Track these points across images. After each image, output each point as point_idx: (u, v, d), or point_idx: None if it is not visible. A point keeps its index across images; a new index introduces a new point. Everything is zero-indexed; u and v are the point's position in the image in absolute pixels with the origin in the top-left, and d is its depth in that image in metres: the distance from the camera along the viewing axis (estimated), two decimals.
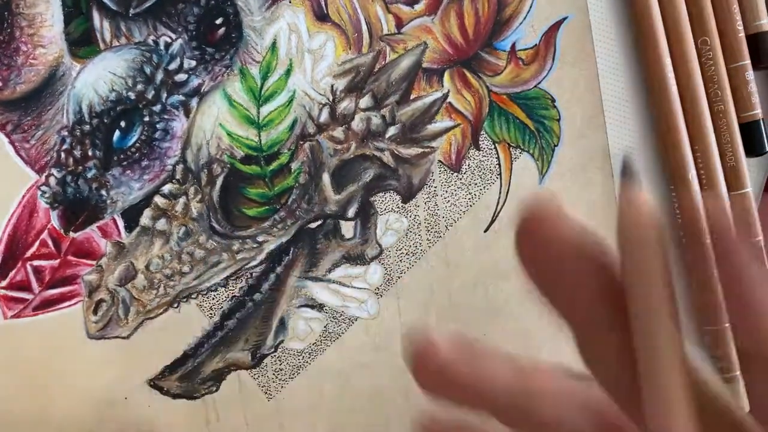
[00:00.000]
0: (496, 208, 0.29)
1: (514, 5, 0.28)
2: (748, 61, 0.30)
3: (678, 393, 0.14)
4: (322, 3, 0.27)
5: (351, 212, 0.27)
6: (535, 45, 0.28)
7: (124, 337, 0.26)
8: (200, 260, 0.26)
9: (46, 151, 0.25)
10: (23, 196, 0.25)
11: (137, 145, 0.26)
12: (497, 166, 0.29)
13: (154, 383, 0.26)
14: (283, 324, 0.27)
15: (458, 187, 0.28)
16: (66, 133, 0.25)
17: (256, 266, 0.27)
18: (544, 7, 0.28)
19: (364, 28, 0.27)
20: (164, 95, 0.26)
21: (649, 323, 0.14)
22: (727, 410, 0.15)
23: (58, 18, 0.25)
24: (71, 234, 0.25)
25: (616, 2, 0.29)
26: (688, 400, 0.14)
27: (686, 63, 0.29)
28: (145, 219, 0.26)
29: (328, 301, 0.27)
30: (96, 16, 0.25)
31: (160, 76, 0.26)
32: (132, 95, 0.25)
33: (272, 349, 0.27)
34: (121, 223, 0.26)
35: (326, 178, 0.27)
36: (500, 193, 0.29)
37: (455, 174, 0.28)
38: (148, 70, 0.26)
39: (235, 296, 0.27)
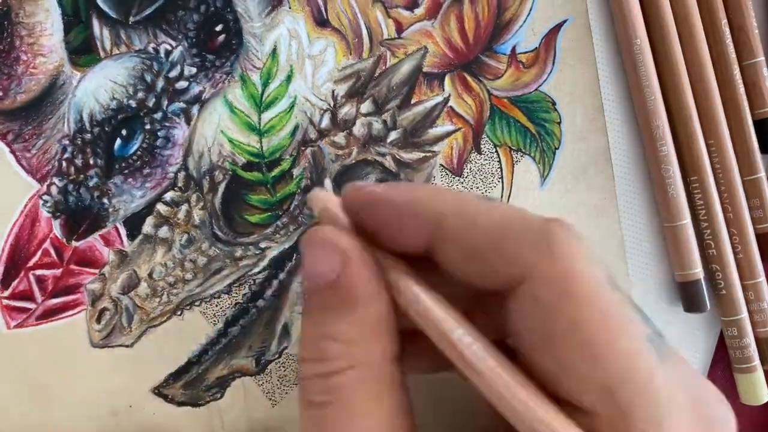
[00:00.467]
0: None
1: (513, 8, 0.28)
2: (762, 58, 0.30)
3: None
4: (322, 8, 0.27)
5: None
6: (536, 48, 0.28)
7: (127, 346, 0.26)
8: (203, 267, 0.26)
9: (47, 160, 0.25)
10: (25, 206, 0.25)
11: (139, 153, 0.26)
12: (499, 169, 0.29)
13: (159, 391, 0.26)
14: (286, 330, 0.27)
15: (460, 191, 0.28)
16: (67, 142, 0.25)
17: (258, 273, 0.27)
18: (544, 9, 0.28)
19: (365, 33, 0.27)
20: (165, 103, 0.26)
21: None
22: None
23: (57, 27, 0.25)
24: (73, 243, 0.25)
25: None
26: None
27: (699, 59, 0.29)
28: (148, 227, 0.26)
29: None
30: (96, 24, 0.25)
31: (160, 83, 0.26)
32: (133, 103, 0.25)
33: (276, 356, 0.27)
34: (123, 232, 0.26)
35: (328, 183, 0.27)
36: (502, 196, 0.29)
37: (457, 178, 0.28)
38: (148, 77, 0.26)
39: (238, 303, 0.27)
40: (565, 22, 0.29)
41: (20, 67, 0.25)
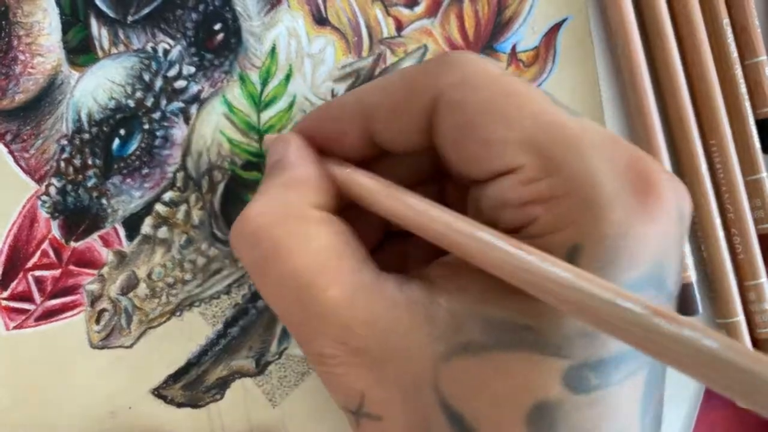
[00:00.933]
0: None
1: (513, 7, 0.28)
2: (764, 57, 0.30)
3: None
4: (321, 7, 0.27)
5: None
6: (536, 47, 0.28)
7: (127, 347, 0.26)
8: (202, 268, 0.26)
9: (45, 160, 0.25)
10: (23, 206, 0.25)
11: (137, 153, 0.26)
12: None
13: (158, 392, 0.26)
14: (286, 331, 0.27)
15: None
16: (65, 142, 0.25)
17: None
18: (543, 8, 0.28)
19: (364, 31, 0.27)
20: (164, 102, 0.26)
21: None
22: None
23: (55, 26, 0.25)
24: (72, 243, 0.25)
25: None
26: None
27: (700, 56, 0.29)
28: (147, 227, 0.26)
29: None
30: (94, 23, 0.25)
31: (159, 83, 0.25)
32: (131, 103, 0.25)
33: (276, 356, 0.27)
34: (122, 232, 0.26)
35: None
36: None
37: None
38: (147, 77, 0.25)
39: (237, 304, 0.27)
40: (565, 20, 0.28)
41: (18, 67, 0.25)
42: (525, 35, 0.28)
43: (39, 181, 0.25)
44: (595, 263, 0.17)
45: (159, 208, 0.26)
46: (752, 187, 0.30)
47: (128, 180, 0.26)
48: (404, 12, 0.27)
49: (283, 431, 0.27)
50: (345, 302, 0.18)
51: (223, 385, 0.27)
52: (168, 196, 0.26)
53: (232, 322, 0.27)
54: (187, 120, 0.26)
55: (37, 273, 0.25)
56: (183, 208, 0.26)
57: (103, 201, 0.25)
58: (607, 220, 0.17)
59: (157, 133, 0.26)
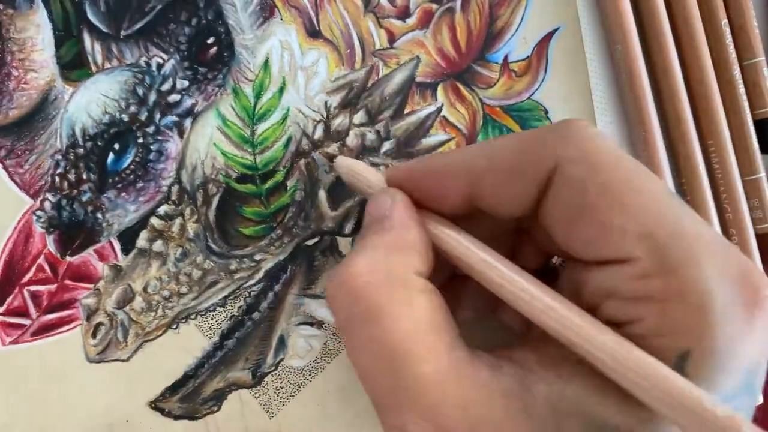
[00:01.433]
0: None
1: (505, 17, 0.28)
2: (763, 58, 0.30)
3: None
4: (314, 19, 0.27)
5: (348, 228, 0.27)
6: (528, 57, 0.28)
7: (123, 360, 0.26)
8: (198, 281, 0.26)
9: (40, 175, 0.25)
10: (19, 222, 0.25)
11: (132, 167, 0.26)
12: None
13: (155, 405, 0.26)
14: (282, 342, 0.27)
15: None
16: (60, 157, 0.25)
17: (254, 285, 0.27)
18: (535, 18, 0.28)
19: (356, 43, 0.27)
20: (158, 116, 0.26)
21: None
22: None
23: (48, 42, 0.25)
24: (68, 258, 0.25)
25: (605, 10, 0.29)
26: None
27: (698, 57, 0.29)
28: (142, 241, 0.26)
29: (328, 318, 0.27)
30: (87, 38, 0.25)
31: (152, 97, 0.26)
32: (125, 117, 0.25)
33: (272, 368, 0.27)
34: (117, 246, 0.26)
35: (322, 194, 0.27)
36: None
37: None
38: (140, 91, 0.25)
39: (233, 316, 0.27)
40: (556, 30, 0.29)
41: (12, 83, 0.25)
42: (517, 45, 0.28)
43: (34, 196, 0.25)
44: (700, 372, 0.17)
45: (154, 221, 0.26)
46: (750, 187, 0.31)
47: (123, 194, 0.26)
48: (396, 24, 0.27)
49: None
50: (438, 380, 0.18)
51: (220, 396, 0.27)
52: (163, 209, 0.26)
53: (229, 334, 0.27)
54: (181, 133, 0.26)
55: (33, 288, 0.25)
56: (178, 221, 0.26)
57: (98, 215, 0.25)
58: (720, 331, 0.17)
59: (152, 147, 0.26)
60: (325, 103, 0.27)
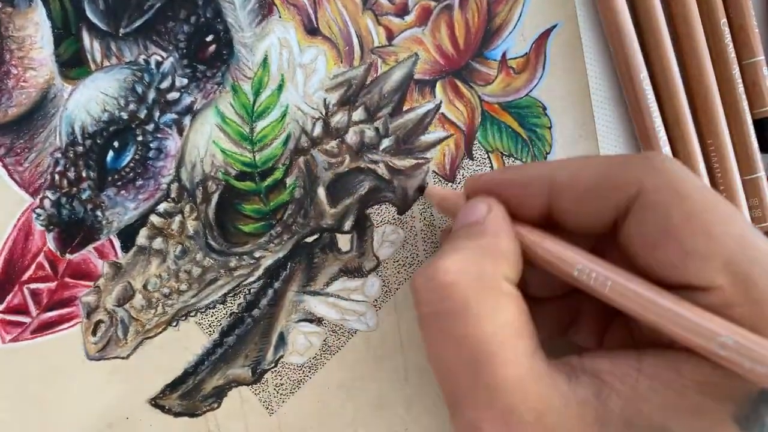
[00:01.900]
0: None
1: (503, 14, 0.28)
2: (762, 57, 0.30)
3: None
4: (312, 17, 0.27)
5: (347, 225, 0.27)
6: (526, 53, 0.29)
7: (123, 358, 0.26)
8: (198, 278, 0.26)
9: (39, 173, 0.25)
10: (18, 220, 0.25)
11: (131, 164, 0.26)
12: None
13: (155, 402, 0.26)
14: (282, 339, 0.27)
15: None
16: (59, 155, 0.25)
17: (253, 282, 0.27)
18: (533, 15, 0.28)
19: (355, 41, 0.27)
20: (157, 114, 0.26)
21: None
22: None
23: (47, 40, 0.25)
24: (67, 256, 0.25)
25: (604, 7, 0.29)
26: None
27: (698, 57, 0.29)
28: (142, 238, 0.26)
29: (327, 314, 0.27)
30: (86, 36, 0.25)
31: (152, 95, 0.26)
32: (124, 115, 0.25)
33: (272, 364, 0.27)
34: (117, 244, 0.26)
35: (321, 192, 0.27)
36: None
37: (450, 184, 0.28)
38: (139, 89, 0.26)
39: (233, 313, 0.27)
40: (554, 27, 0.29)
41: (11, 81, 0.25)
42: (515, 42, 0.29)
43: (33, 194, 0.25)
44: None
45: (154, 219, 0.26)
46: (750, 187, 0.31)
47: (123, 192, 0.26)
48: (395, 21, 0.27)
49: None
50: (518, 384, 0.18)
51: (219, 393, 0.27)
52: (162, 207, 0.26)
53: (228, 331, 0.27)
54: (180, 131, 0.26)
55: (33, 286, 0.25)
56: (177, 218, 0.26)
57: (98, 213, 0.25)
58: None
59: (151, 145, 0.26)
60: (324, 100, 0.27)
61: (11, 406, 0.25)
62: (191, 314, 0.26)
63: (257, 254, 0.27)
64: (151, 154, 0.26)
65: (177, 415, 0.26)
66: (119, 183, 0.26)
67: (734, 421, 0.17)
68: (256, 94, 0.26)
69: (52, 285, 0.25)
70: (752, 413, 0.18)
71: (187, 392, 0.26)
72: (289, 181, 0.27)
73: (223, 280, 0.27)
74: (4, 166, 0.25)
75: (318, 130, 0.27)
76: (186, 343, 0.26)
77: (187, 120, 0.26)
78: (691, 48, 0.29)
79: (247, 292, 0.27)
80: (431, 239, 0.28)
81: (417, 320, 0.20)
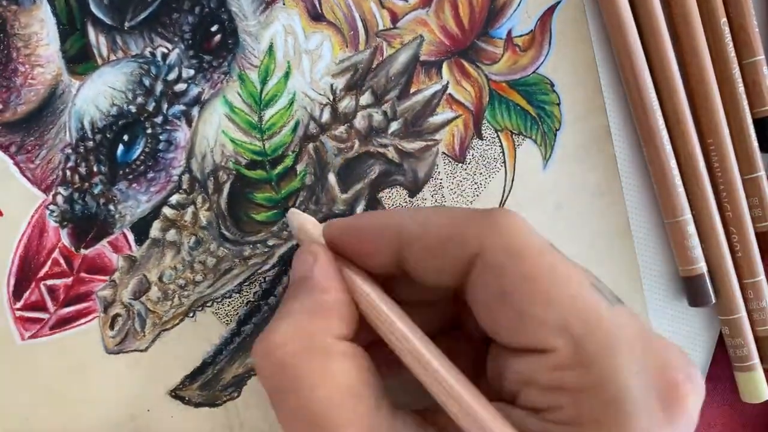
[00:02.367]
0: (502, 196, 0.29)
1: None
2: (762, 57, 0.30)
3: None
4: (316, 2, 0.27)
5: (359, 210, 0.27)
6: (531, 31, 0.28)
7: (142, 350, 0.26)
8: (212, 268, 0.26)
9: (51, 170, 0.25)
10: (32, 217, 0.25)
11: (141, 157, 0.26)
12: (501, 154, 0.29)
13: (176, 393, 0.26)
14: None
15: (464, 178, 0.28)
16: (70, 151, 0.25)
17: (268, 270, 0.27)
18: None
19: (360, 25, 0.27)
20: (165, 106, 0.26)
21: None
22: None
23: (53, 36, 0.25)
24: (82, 251, 0.26)
25: None
26: None
27: (698, 56, 0.29)
28: (155, 231, 0.26)
29: None
30: (91, 31, 0.25)
31: (159, 87, 0.26)
32: (133, 108, 0.25)
33: None
34: (131, 237, 0.26)
35: (332, 177, 0.27)
36: (506, 180, 0.29)
37: (460, 165, 0.28)
38: (147, 82, 0.26)
39: (250, 302, 0.27)
40: (559, 3, 0.29)
41: (19, 79, 0.25)
42: (520, 20, 0.28)
43: (46, 190, 0.25)
44: None
45: (166, 211, 0.26)
46: (750, 186, 0.30)
47: (134, 185, 0.26)
48: (398, 3, 0.27)
49: None
50: None
51: (239, 382, 0.27)
52: (174, 198, 0.26)
53: (246, 320, 0.27)
54: (189, 122, 0.26)
55: (49, 282, 0.25)
56: (190, 209, 0.26)
57: (111, 207, 0.26)
58: (632, 427, 0.17)
59: (161, 137, 0.26)
60: (331, 86, 0.27)
61: (32, 401, 0.25)
62: (207, 304, 0.27)
63: (271, 242, 0.27)
64: (161, 146, 0.26)
65: (197, 405, 0.27)
66: (130, 176, 0.26)
67: None
68: (263, 82, 0.26)
69: (68, 281, 0.26)
70: None
71: (207, 382, 0.27)
72: (299, 168, 0.27)
73: (238, 269, 0.27)
74: (16, 163, 0.25)
75: (326, 116, 0.27)
76: (204, 334, 0.27)
77: (195, 111, 0.26)
78: (691, 48, 0.29)
79: (262, 281, 0.27)
80: None
81: None
